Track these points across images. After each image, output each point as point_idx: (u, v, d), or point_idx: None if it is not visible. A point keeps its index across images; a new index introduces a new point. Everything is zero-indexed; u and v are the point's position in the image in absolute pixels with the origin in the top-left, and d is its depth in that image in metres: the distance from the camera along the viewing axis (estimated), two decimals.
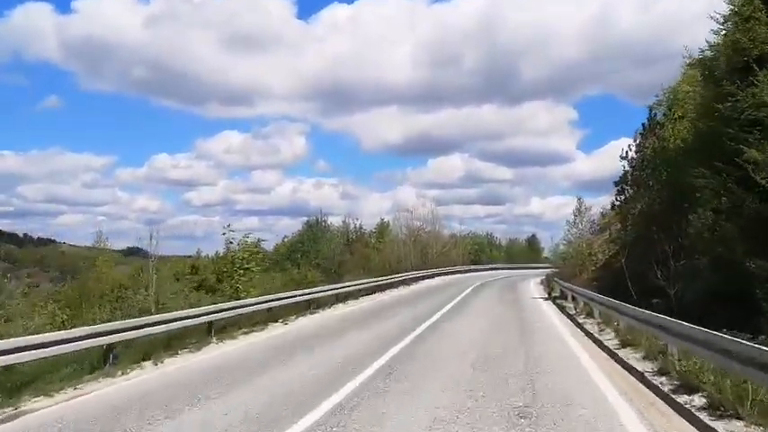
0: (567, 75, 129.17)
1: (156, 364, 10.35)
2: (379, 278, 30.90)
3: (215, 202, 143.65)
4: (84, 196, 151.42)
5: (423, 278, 41.41)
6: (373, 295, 27.39)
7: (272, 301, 17.67)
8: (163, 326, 11.58)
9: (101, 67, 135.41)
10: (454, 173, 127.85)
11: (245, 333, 14.36)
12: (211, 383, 8.55)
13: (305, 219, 56.00)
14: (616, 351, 10.47)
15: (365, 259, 53.86)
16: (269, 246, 46.33)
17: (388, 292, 29.67)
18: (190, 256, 44.93)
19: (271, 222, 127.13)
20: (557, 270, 40.83)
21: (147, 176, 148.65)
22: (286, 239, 58.06)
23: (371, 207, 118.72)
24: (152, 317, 11.95)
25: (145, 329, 11.02)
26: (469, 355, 10.67)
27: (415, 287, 34.18)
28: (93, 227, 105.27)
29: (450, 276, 47.75)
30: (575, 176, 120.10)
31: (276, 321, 16.76)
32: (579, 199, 35.46)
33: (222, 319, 14.24)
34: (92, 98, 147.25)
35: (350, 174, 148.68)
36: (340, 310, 21.33)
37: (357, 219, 62.76)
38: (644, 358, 9.49)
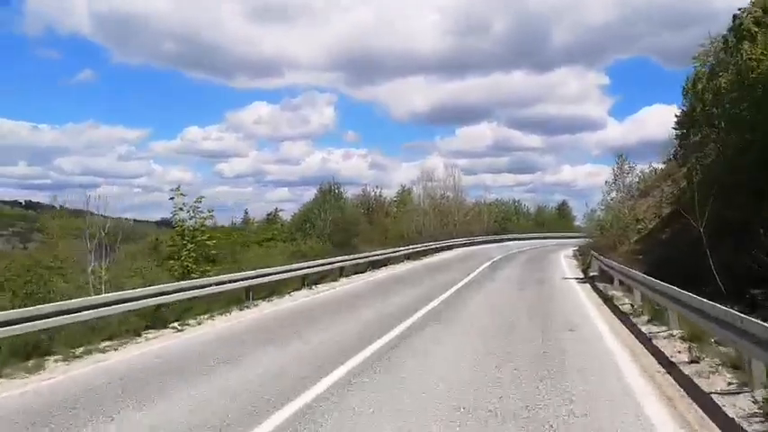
0: (598, 39, 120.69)
1: None
2: (375, 252, 25.37)
3: (246, 173, 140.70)
4: (120, 168, 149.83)
5: (437, 250, 35.92)
6: (366, 274, 22.00)
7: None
8: None
9: (131, 41, 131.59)
10: (483, 141, 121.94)
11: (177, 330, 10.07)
12: None
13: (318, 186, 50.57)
14: None
15: (382, 229, 49.08)
16: (287, 216, 45.21)
17: (384, 269, 24.23)
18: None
19: (299, 193, 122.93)
20: (591, 240, 34.90)
21: (180, 148, 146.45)
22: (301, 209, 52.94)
23: (400, 177, 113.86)
24: None
25: None
26: None
27: (421, 262, 28.68)
28: (129, 198, 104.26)
29: (469, 248, 42.10)
30: (606, 143, 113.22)
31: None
32: (621, 156, 29.28)
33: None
34: (124, 71, 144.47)
35: (378, 144, 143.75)
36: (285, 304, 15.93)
37: (378, 187, 57.70)
38: None
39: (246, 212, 53.47)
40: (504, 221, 63.42)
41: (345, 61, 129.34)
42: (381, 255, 25.11)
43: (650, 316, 10.10)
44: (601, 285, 16.33)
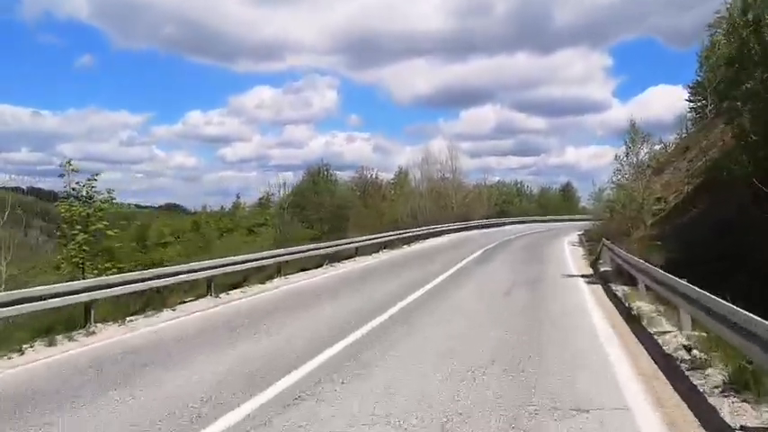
0: (602, 19, 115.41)
1: None
2: (332, 243, 20.59)
3: (249, 157, 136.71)
4: (122, 154, 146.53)
5: (426, 236, 31.11)
6: (320, 269, 17.31)
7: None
8: None
9: (131, 26, 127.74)
10: (487, 124, 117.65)
11: None
12: None
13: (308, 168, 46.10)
14: None
15: (378, 213, 44.67)
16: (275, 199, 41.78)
17: (349, 262, 19.54)
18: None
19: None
20: (598, 223, 30.00)
21: (182, 133, 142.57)
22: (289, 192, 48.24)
23: (404, 160, 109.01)
24: None
25: None
26: None
27: (401, 251, 23.97)
28: (131, 184, 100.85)
29: (465, 233, 37.24)
30: (611, 125, 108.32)
31: None
32: (633, 125, 24.24)
33: None
34: (124, 56, 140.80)
35: (382, 127, 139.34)
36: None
37: (373, 169, 53.15)
38: None
39: (238, 197, 49.44)
40: (505, 204, 58.46)
41: (347, 44, 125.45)
42: (345, 245, 20.33)
43: (728, 374, 5.23)
44: (618, 289, 11.57)
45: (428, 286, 12.51)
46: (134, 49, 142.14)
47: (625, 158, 24.33)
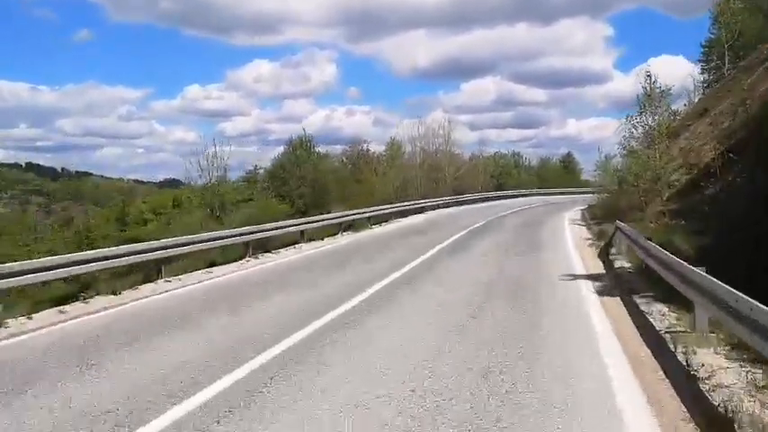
0: None
1: None
2: (288, 223, 16.15)
3: (249, 131, 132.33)
4: (122, 129, 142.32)
5: (411, 212, 26.49)
6: (235, 264, 12.77)
7: None
8: None
9: None
10: (487, 96, 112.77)
11: None
12: None
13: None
14: None
15: (368, 188, 40.57)
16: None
17: (306, 246, 15.17)
18: None
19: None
20: (604, 196, 25.28)
21: (182, 108, 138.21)
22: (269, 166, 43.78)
23: (404, 133, 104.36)
24: None
25: None
26: None
27: (368, 234, 19.33)
28: (132, 159, 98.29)
29: (453, 209, 32.54)
30: (612, 96, 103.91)
31: None
32: (648, 75, 19.24)
33: None
34: (122, 30, 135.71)
35: (381, 100, 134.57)
36: None
37: (366, 142, 48.22)
38: None
39: (225, 170, 45.39)
40: (502, 176, 53.55)
41: (346, 16, 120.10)
42: (283, 228, 15.68)
43: None
44: (652, 311, 6.90)
45: (353, 302, 7.88)
46: (131, 23, 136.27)
47: (638, 119, 19.50)
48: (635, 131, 19.30)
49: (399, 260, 11.68)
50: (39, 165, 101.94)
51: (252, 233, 14.12)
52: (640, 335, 5.97)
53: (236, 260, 13.33)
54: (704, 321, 5.70)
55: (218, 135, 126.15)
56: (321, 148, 47.54)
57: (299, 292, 9.05)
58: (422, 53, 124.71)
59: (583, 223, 21.08)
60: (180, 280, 11.04)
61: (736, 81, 27.27)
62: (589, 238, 15.45)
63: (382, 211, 23.37)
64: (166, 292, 9.87)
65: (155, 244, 11.52)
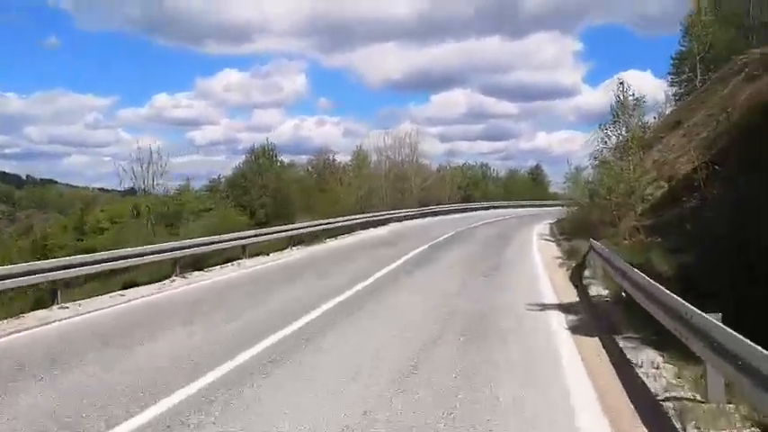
0: (572, 4, 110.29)
1: None
2: (230, 236, 14.37)
3: (217, 140, 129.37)
4: (89, 137, 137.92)
5: (368, 225, 24.80)
6: (195, 277, 10.96)
7: None
8: None
9: (96, 5, 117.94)
10: (457, 108, 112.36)
11: None
12: None
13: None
14: None
15: (332, 198, 39.10)
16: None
17: (249, 262, 13.41)
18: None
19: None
20: (574, 209, 24.02)
21: (149, 116, 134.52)
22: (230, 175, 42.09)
23: (371, 143, 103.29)
24: None
25: None
26: None
27: (319, 248, 17.47)
28: (98, 167, 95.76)
29: (416, 222, 31.02)
30: (581, 110, 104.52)
31: None
32: (621, 83, 18.01)
33: None
34: (90, 38, 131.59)
35: (352, 111, 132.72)
36: None
37: (332, 152, 48.59)
38: None
39: (188, 180, 43.48)
40: (470, 187, 52.37)
41: (316, 27, 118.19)
42: (223, 243, 13.86)
43: None
44: (641, 362, 5.32)
45: (264, 343, 6.16)
46: (100, 31, 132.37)
47: (612, 129, 18.24)
48: (608, 141, 18.04)
49: (340, 286, 9.95)
50: (4, 172, 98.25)
51: (181, 249, 12.28)
52: (632, 404, 4.37)
53: (160, 280, 11.50)
54: (719, 388, 4.14)
55: (187, 144, 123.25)
56: (287, 158, 46.29)
57: (212, 325, 7.28)
58: (393, 65, 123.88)
59: (551, 239, 19.72)
60: (79, 306, 9.17)
61: (710, 92, 26.42)
62: (559, 257, 13.97)
63: (339, 224, 21.63)
64: (54, 322, 8.01)
65: (50, 263, 9.64)
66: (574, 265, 11.77)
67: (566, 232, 21.01)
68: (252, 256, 14.79)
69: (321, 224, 19.90)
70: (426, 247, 16.15)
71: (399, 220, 29.62)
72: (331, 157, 54.28)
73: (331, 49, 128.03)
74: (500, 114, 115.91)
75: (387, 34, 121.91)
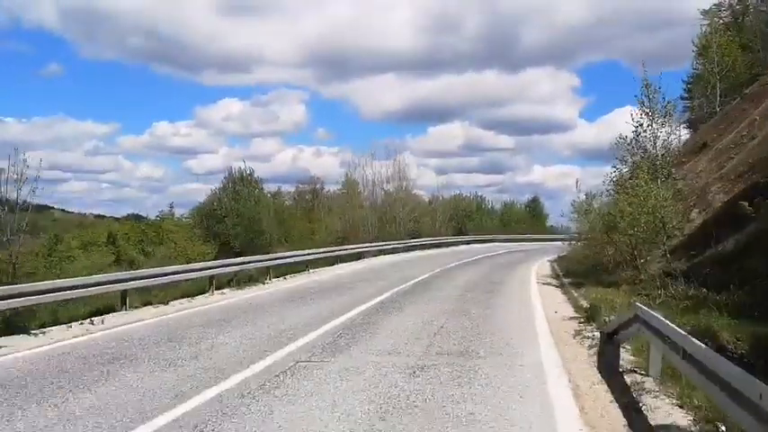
0: (569, 40, 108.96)
1: None
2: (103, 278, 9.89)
3: (216, 169, 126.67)
4: (88, 163, 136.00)
5: (336, 260, 20.37)
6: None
7: None
8: None
9: (98, 35, 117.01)
10: (454, 141, 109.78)
11: None
12: None
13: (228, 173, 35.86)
14: None
15: (306, 229, 36.01)
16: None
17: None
18: None
19: (272, 189, 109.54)
20: (580, 244, 19.65)
21: (149, 144, 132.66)
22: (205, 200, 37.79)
23: (364, 173, 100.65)
24: None
25: None
26: None
27: (244, 297, 12.89)
28: (97, 194, 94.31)
29: (395, 257, 26.60)
30: (577, 145, 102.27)
31: None
32: (647, 85, 13.68)
33: None
34: (92, 66, 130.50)
35: (350, 142, 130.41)
36: None
37: (319, 179, 46.36)
38: None
39: (171, 207, 40.04)
40: (463, 219, 47.95)
41: (316, 58, 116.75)
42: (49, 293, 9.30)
43: None
44: None
45: None
46: (101, 59, 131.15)
47: (635, 141, 13.87)
48: (629, 159, 13.67)
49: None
50: None
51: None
52: None
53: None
54: None
55: (185, 172, 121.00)
56: (275, 186, 42.72)
57: None
58: (391, 97, 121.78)
59: (556, 282, 15.26)
60: None
61: (737, 111, 22.44)
62: (574, 317, 9.41)
63: (288, 260, 17.18)
64: None
65: None
66: (598, 334, 7.22)
67: (571, 273, 16.58)
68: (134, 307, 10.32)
69: (263, 260, 15.45)
70: (382, 298, 11.57)
71: (375, 254, 25.17)
72: (319, 186, 50.50)
73: (330, 80, 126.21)
74: (497, 148, 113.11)
75: (386, 66, 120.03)
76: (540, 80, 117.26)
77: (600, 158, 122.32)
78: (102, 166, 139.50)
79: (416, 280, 15.01)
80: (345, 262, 21.41)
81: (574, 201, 18.19)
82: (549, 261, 22.16)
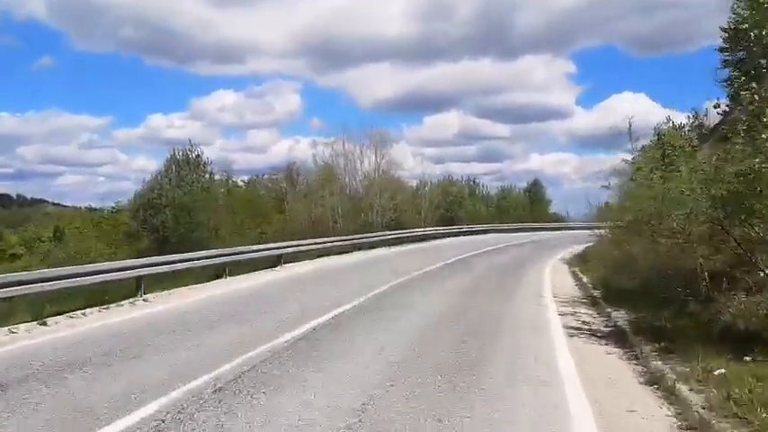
0: (564, 24, 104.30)
1: None
2: None
3: (212, 161, 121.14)
4: (83, 157, 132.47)
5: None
6: None
7: None
8: None
9: (90, 27, 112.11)
10: (450, 130, 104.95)
11: None
12: None
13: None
14: None
15: (260, 220, 28.52)
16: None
17: None
18: None
19: (246, 178, 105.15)
20: (608, 233, 13.16)
21: (144, 136, 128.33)
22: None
23: (367, 165, 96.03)
24: None
25: None
26: None
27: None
28: (93, 187, 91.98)
29: (358, 257, 19.87)
30: (574, 132, 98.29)
31: None
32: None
33: None
34: (85, 58, 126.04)
35: (345, 132, 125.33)
36: None
37: (294, 164, 39.12)
38: None
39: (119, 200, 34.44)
40: (453, 207, 41.23)
41: (310, 48, 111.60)
42: None
43: None
44: None
45: None
46: (94, 51, 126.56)
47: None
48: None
49: None
50: None
51: None
52: None
53: None
54: None
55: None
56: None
57: None
58: (386, 85, 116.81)
59: (586, 300, 8.50)
60: None
61: None
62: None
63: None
64: None
65: None
66: None
67: (616, 294, 9.35)
68: None
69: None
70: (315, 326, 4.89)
71: (328, 253, 18.47)
72: (295, 174, 44.32)
73: (324, 69, 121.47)
74: (493, 136, 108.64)
75: (381, 55, 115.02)
76: (536, 67, 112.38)
77: (599, 146, 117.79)
78: (98, 159, 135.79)
79: (360, 301, 8.21)
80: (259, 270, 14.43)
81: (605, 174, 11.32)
82: (562, 261, 15.54)
